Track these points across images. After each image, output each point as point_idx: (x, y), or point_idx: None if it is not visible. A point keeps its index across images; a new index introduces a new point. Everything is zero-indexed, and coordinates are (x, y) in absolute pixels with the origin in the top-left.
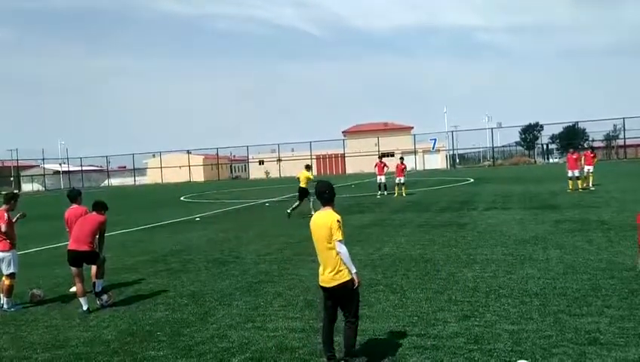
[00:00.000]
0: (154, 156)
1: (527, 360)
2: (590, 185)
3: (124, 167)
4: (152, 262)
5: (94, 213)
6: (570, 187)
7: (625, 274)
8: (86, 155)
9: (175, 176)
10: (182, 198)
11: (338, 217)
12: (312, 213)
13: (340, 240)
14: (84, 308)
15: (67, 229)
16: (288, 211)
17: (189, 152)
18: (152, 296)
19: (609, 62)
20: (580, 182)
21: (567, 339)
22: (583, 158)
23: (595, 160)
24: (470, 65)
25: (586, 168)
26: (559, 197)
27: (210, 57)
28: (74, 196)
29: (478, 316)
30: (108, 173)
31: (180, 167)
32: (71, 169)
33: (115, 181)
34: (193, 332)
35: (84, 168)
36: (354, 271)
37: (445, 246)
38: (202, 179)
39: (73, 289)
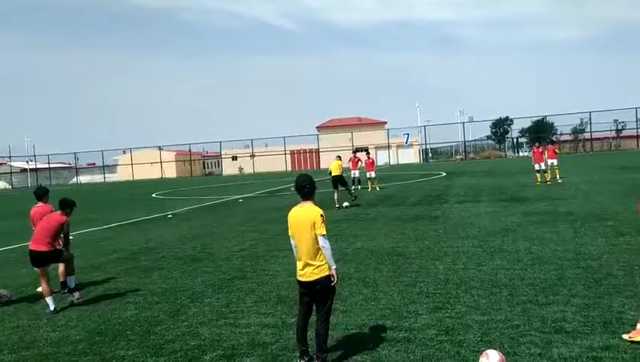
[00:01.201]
0: (124, 153)
1: (495, 349)
2: (557, 177)
3: (94, 164)
4: (122, 260)
5: (59, 211)
6: (538, 180)
7: (590, 264)
8: (54, 152)
9: (146, 172)
10: (154, 195)
11: (321, 211)
12: (337, 204)
13: (324, 235)
14: (51, 308)
15: (33, 228)
16: (345, 205)
17: (160, 148)
18: (122, 295)
19: (578, 56)
20: (546, 175)
21: (535, 328)
22: (546, 152)
23: (558, 153)
24: (443, 59)
25: (549, 161)
26: (528, 190)
27: (182, 51)
28: (40, 194)
29: (449, 308)
30: (77, 171)
31: (151, 163)
32: (38, 166)
33: (84, 178)
34: (164, 331)
35: (51, 165)
36: (334, 266)
37: (417, 240)
38: (174, 176)
39: (40, 289)
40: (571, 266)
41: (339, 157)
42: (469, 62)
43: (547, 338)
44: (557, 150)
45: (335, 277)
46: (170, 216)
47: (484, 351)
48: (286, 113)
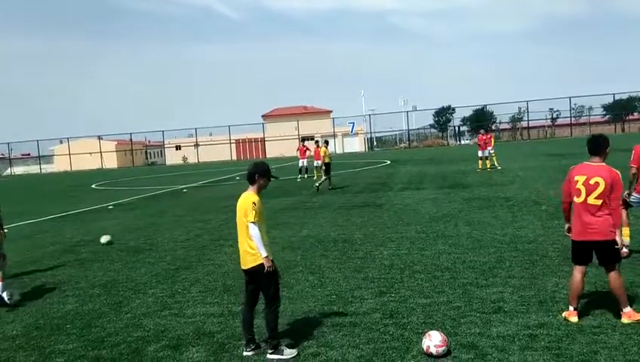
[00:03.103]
0: (61, 142)
1: (437, 330)
2: (496, 164)
3: (29, 155)
4: (61, 252)
5: None
6: (480, 166)
7: (527, 247)
8: None
9: (86, 163)
10: (93, 186)
11: (255, 199)
12: (329, 186)
13: (252, 222)
14: None
15: None
16: (317, 187)
17: (100, 138)
18: (61, 288)
19: (517, 48)
20: (487, 162)
21: (475, 309)
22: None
23: (492, 141)
24: (387, 49)
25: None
26: (469, 177)
27: (123, 37)
28: None
29: (393, 292)
30: (10, 161)
31: (90, 153)
32: None
33: (18, 169)
34: (105, 323)
35: None
36: (264, 255)
37: (363, 227)
38: (116, 166)
39: None
40: (509, 249)
41: (324, 142)
42: (413, 51)
43: (486, 318)
44: (491, 137)
45: (266, 265)
46: (110, 207)
47: (427, 332)
48: (231, 102)
